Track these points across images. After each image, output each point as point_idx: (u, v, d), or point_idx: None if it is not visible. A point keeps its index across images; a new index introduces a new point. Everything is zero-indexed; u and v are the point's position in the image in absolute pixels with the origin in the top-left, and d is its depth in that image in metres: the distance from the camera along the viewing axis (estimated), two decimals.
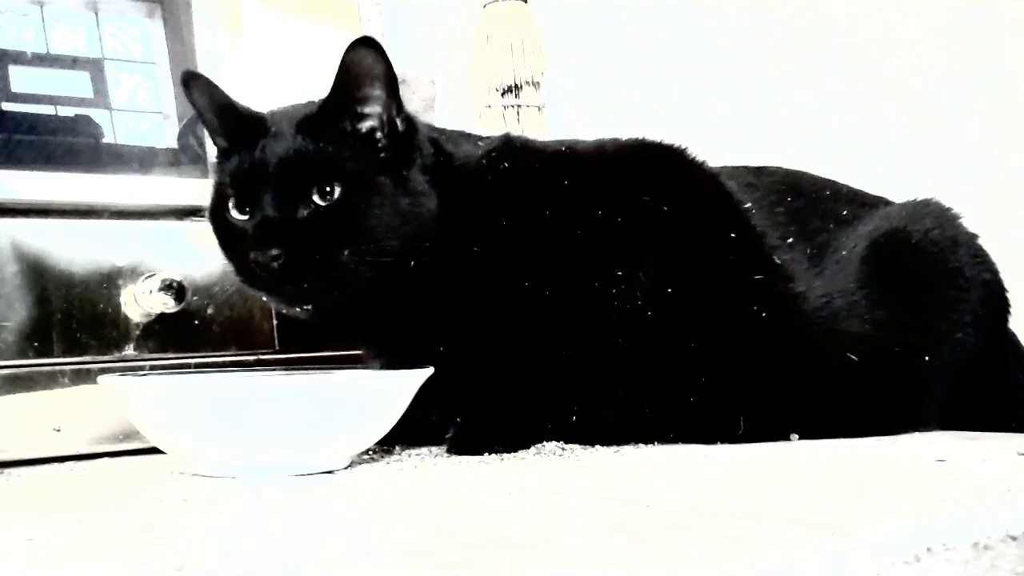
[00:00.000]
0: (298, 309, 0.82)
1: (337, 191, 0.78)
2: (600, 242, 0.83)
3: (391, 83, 0.80)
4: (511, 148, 0.89)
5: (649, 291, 0.83)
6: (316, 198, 0.78)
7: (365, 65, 0.78)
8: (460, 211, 0.83)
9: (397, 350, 0.86)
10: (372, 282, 0.79)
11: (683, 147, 0.90)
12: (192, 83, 0.83)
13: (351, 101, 0.80)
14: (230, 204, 0.80)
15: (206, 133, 0.98)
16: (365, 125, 0.80)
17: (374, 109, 0.80)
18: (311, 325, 0.88)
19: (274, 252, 0.76)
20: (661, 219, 0.84)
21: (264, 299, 0.85)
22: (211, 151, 0.99)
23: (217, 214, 0.82)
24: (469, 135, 0.92)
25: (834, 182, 0.97)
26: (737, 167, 0.94)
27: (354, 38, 0.78)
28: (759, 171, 0.94)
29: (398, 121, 0.82)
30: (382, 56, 0.78)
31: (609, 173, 0.87)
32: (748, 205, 0.88)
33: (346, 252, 0.77)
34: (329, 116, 0.80)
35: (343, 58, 0.78)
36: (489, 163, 0.86)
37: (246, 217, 0.79)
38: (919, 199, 0.95)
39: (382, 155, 0.80)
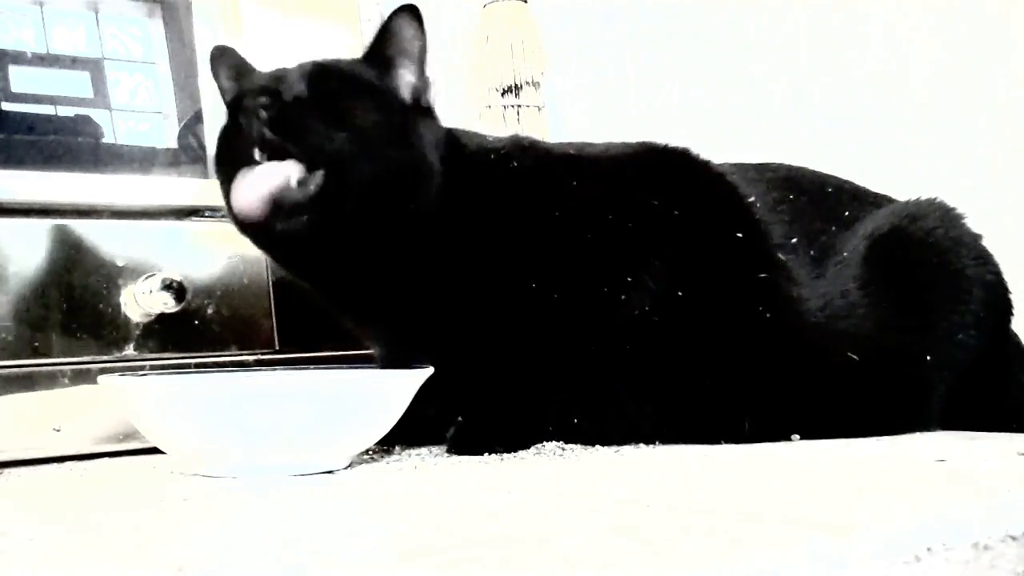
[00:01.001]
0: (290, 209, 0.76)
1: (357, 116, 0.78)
2: (605, 244, 0.83)
3: (423, 57, 0.82)
4: (519, 148, 0.89)
5: (654, 292, 0.83)
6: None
7: (406, 34, 0.81)
8: (467, 205, 0.83)
9: (400, 348, 0.86)
10: (372, 227, 0.79)
11: (688, 148, 0.90)
12: (221, 57, 0.83)
13: (385, 63, 0.82)
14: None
15: (206, 132, 0.98)
16: (393, 85, 0.82)
17: (405, 77, 0.83)
18: (314, 319, 0.88)
19: (265, 100, 0.74)
20: (666, 221, 0.84)
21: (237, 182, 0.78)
22: (211, 151, 0.99)
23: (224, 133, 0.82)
24: (479, 134, 0.92)
25: (837, 179, 0.97)
26: (741, 164, 0.94)
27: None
28: (763, 168, 0.94)
29: (422, 99, 0.84)
30: (421, 30, 0.81)
31: (615, 176, 0.87)
32: (752, 200, 0.88)
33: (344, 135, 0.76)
34: (361, 69, 0.82)
35: (386, 22, 0.81)
36: (497, 161, 0.87)
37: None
38: (923, 198, 0.94)
39: (401, 114, 0.82)
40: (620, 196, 0.85)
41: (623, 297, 0.82)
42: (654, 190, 0.85)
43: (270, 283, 0.99)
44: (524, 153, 0.88)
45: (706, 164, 0.90)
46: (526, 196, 0.85)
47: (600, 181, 0.86)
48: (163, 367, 0.92)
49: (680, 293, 0.82)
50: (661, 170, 0.88)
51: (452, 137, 0.87)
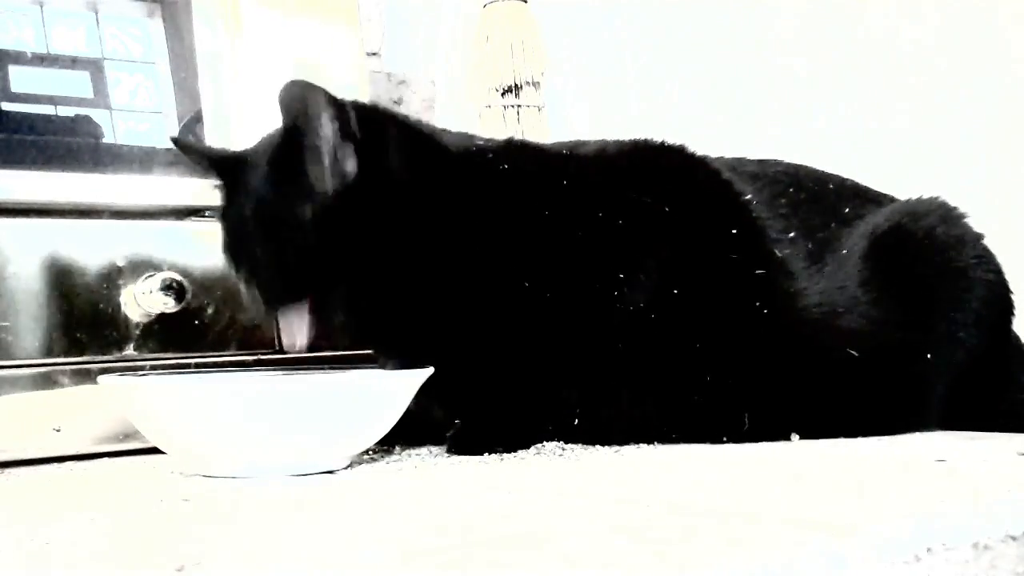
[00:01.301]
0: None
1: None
2: (601, 243, 0.83)
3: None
4: (512, 149, 0.89)
5: (650, 290, 0.83)
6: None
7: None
8: (459, 209, 0.83)
9: (399, 349, 0.86)
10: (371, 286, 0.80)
11: (683, 145, 0.90)
12: (183, 151, 0.89)
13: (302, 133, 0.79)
14: None
15: (206, 133, 0.99)
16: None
17: (326, 133, 0.79)
18: None
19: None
20: (661, 219, 0.84)
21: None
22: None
23: None
24: (470, 135, 0.92)
25: (838, 177, 0.97)
26: (740, 158, 0.94)
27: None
28: (763, 163, 0.94)
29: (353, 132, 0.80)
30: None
31: (609, 174, 0.87)
32: (749, 196, 0.88)
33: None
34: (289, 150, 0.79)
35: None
36: (488, 163, 0.86)
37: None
38: (925, 197, 0.94)
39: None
40: (612, 193, 0.85)
41: (620, 295, 0.82)
42: (646, 186, 0.85)
43: None
44: (516, 154, 0.88)
45: (702, 160, 0.90)
46: (518, 196, 0.85)
47: (592, 179, 0.86)
48: (163, 367, 0.92)
49: (673, 289, 0.82)
50: (653, 166, 0.88)
51: (431, 143, 0.85)
